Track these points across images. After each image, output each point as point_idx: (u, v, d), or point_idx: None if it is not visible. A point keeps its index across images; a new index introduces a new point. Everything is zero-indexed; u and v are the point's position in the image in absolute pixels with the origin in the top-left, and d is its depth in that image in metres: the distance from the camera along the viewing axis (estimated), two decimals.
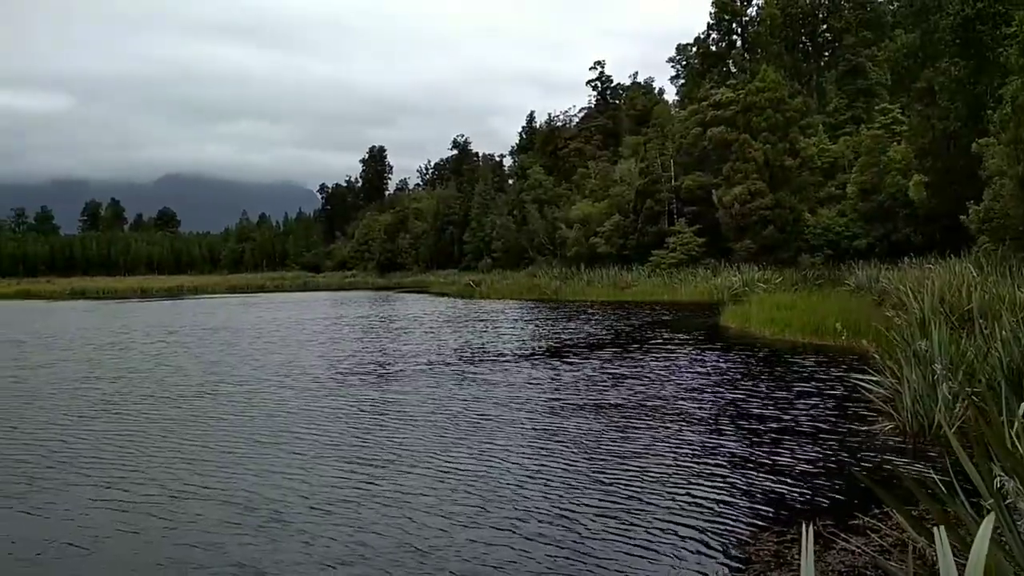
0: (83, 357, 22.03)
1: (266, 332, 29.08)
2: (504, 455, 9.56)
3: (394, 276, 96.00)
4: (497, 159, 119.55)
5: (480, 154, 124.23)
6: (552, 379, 15.43)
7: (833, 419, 10.97)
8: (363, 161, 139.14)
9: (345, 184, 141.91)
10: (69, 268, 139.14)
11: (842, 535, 6.12)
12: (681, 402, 12.69)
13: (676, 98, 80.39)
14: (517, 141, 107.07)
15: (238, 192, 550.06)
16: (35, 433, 11.68)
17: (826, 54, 69.67)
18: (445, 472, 8.87)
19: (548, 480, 8.46)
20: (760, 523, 6.91)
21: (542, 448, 9.86)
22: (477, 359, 19.01)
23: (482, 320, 31.92)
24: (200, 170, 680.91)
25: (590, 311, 35.23)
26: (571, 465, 9.02)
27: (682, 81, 78.53)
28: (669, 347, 20.19)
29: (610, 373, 15.91)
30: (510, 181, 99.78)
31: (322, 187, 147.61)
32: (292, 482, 8.66)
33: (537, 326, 28.61)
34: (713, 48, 67.05)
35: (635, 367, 16.68)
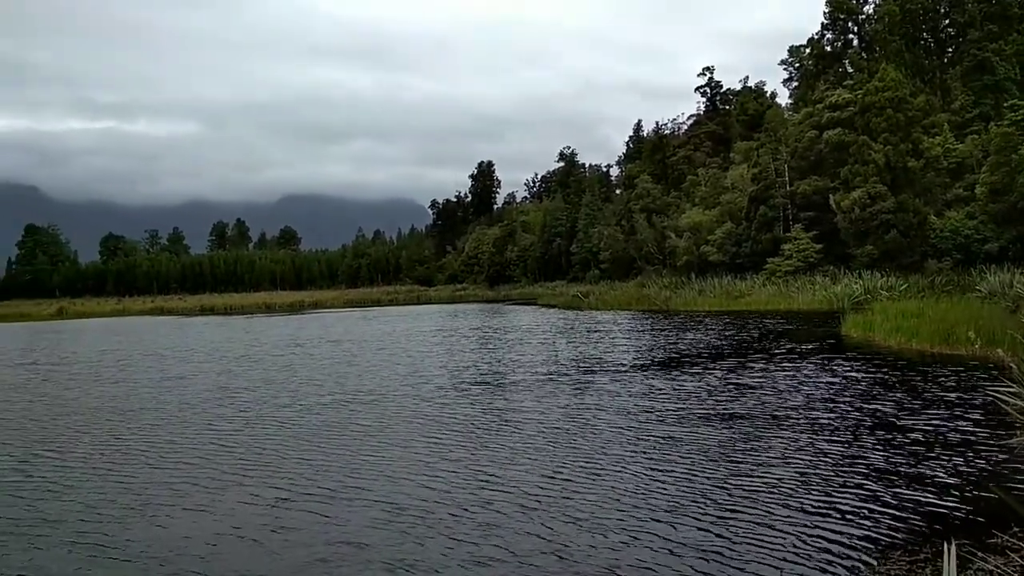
0: (220, 369, 23.53)
1: (387, 344, 30.17)
2: (634, 463, 9.75)
3: (503, 288, 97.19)
4: (604, 169, 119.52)
5: (587, 165, 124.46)
6: (674, 389, 15.47)
7: (969, 432, 10.62)
8: (472, 176, 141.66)
9: (455, 199, 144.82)
10: (198, 285, 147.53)
11: (979, 554, 5.94)
12: (809, 413, 12.52)
13: (789, 101, 78.30)
14: (624, 150, 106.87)
15: (354, 210, 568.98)
16: (190, 438, 12.68)
17: (949, 50, 66.35)
18: (579, 479, 9.15)
19: (678, 488, 8.60)
20: (893, 539, 6.82)
21: (671, 457, 9.99)
22: (595, 369, 19.22)
23: (595, 331, 32.07)
24: (318, 190, 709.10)
25: (703, 321, 34.80)
26: (700, 474, 9.13)
27: (795, 84, 76.44)
28: (791, 357, 19.81)
29: (733, 383, 15.82)
30: (617, 191, 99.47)
31: (433, 203, 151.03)
32: (433, 486, 9.12)
33: (651, 336, 28.54)
34: (828, 48, 65.00)
35: (758, 377, 16.50)
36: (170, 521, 8.29)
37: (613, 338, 28.51)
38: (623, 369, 19.06)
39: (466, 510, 8.13)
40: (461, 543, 7.17)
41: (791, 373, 16.84)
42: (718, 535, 7.06)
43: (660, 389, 15.54)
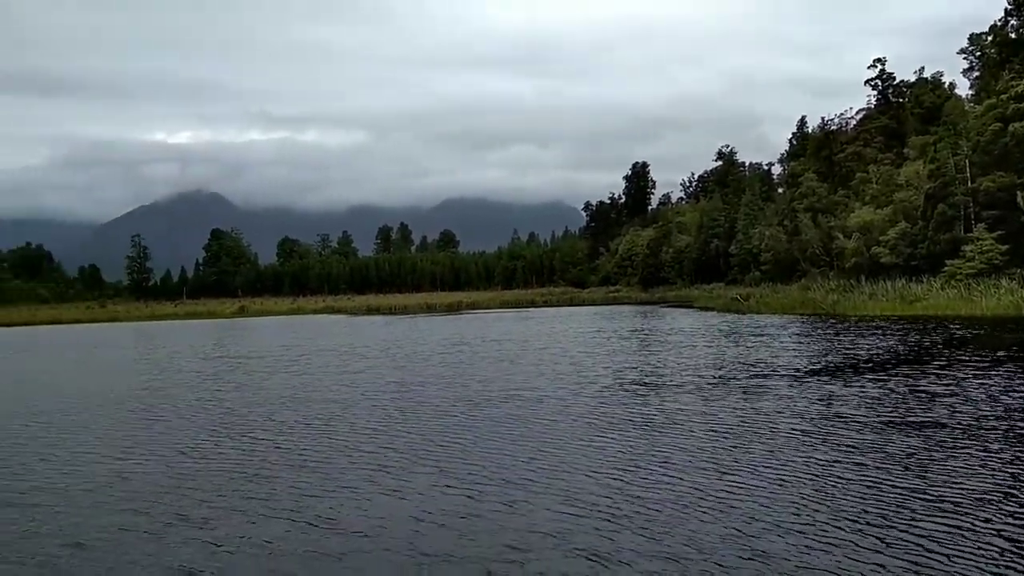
0: (394, 364, 24.88)
1: (548, 344, 30.72)
2: (817, 468, 9.56)
3: (657, 291, 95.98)
4: (765, 168, 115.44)
5: (746, 164, 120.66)
6: (855, 395, 14.89)
7: None
8: (626, 178, 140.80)
9: (608, 201, 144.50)
10: (365, 286, 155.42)
11: None
12: (1007, 423, 11.74)
13: (970, 92, 72.70)
14: (787, 148, 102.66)
15: (510, 213, 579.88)
16: (374, 427, 13.57)
17: None
18: (759, 482, 9.07)
19: (866, 495, 8.36)
20: None
21: (857, 463, 9.70)
22: (767, 374, 18.79)
23: (760, 335, 31.24)
24: (476, 194, 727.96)
25: (876, 326, 33.10)
26: (889, 482, 8.81)
27: (976, 74, 70.90)
28: (981, 365, 18.52)
29: (920, 391, 15.04)
30: (779, 190, 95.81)
31: (586, 205, 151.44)
32: (612, 483, 9.32)
33: (823, 341, 27.50)
34: (1012, 35, 59.83)
35: (948, 385, 15.60)
36: (370, 504, 8.95)
37: (782, 342, 27.69)
38: (798, 374, 18.53)
39: (649, 507, 8.28)
40: (649, 538, 7.31)
41: (983, 382, 15.80)
42: (912, 545, 6.84)
43: (840, 395, 15.03)
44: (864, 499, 8.27)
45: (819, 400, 14.53)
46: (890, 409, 13.25)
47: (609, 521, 7.90)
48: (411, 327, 50.19)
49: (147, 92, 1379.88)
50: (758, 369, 19.68)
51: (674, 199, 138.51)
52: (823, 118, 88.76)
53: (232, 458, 11.75)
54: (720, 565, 6.61)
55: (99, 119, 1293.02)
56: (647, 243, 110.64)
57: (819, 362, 20.75)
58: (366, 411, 15.48)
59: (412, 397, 17.10)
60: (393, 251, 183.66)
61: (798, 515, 7.82)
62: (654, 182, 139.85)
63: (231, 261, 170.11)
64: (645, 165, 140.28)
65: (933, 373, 17.47)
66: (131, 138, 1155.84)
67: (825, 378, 17.57)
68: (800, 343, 27.24)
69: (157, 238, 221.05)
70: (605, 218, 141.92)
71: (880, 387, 15.79)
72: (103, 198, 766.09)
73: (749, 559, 6.71)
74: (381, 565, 7.08)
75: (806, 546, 6.94)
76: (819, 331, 32.12)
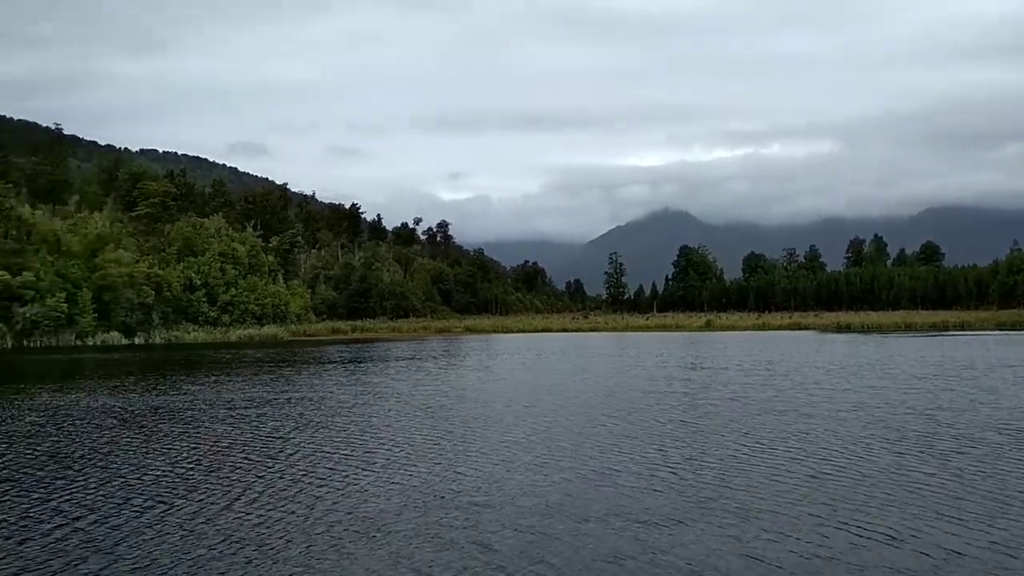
0: (895, 386, 24.07)
1: None
2: None
3: None
4: None
5: None
6: None
7: None
8: None
9: None
10: (833, 302, 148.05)
11: None
12: None
13: None
14: None
15: (1006, 222, 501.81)
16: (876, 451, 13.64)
17: None
18: None
19: None
20: None
21: None
22: None
23: None
24: (963, 200, 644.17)
25: None
26: None
27: None
28: None
29: None
30: None
31: None
32: None
33: None
34: None
35: None
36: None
37: None
38: None
39: None
40: None
41: None
42: None
43: None
44: None
45: None
46: None
47: None
48: (891, 347, 46.96)
49: (629, 120, 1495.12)
50: None
51: None
52: None
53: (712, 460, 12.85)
54: None
55: (584, 148, 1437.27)
56: None
57: None
58: (847, 432, 15.50)
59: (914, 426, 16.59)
60: (865, 265, 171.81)
61: None
62: None
63: (697, 276, 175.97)
64: None
65: None
66: (609, 163, 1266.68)
67: None
68: None
69: (632, 255, 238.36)
70: None
71: None
72: (587, 220, 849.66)
73: None
74: None
75: None
76: None
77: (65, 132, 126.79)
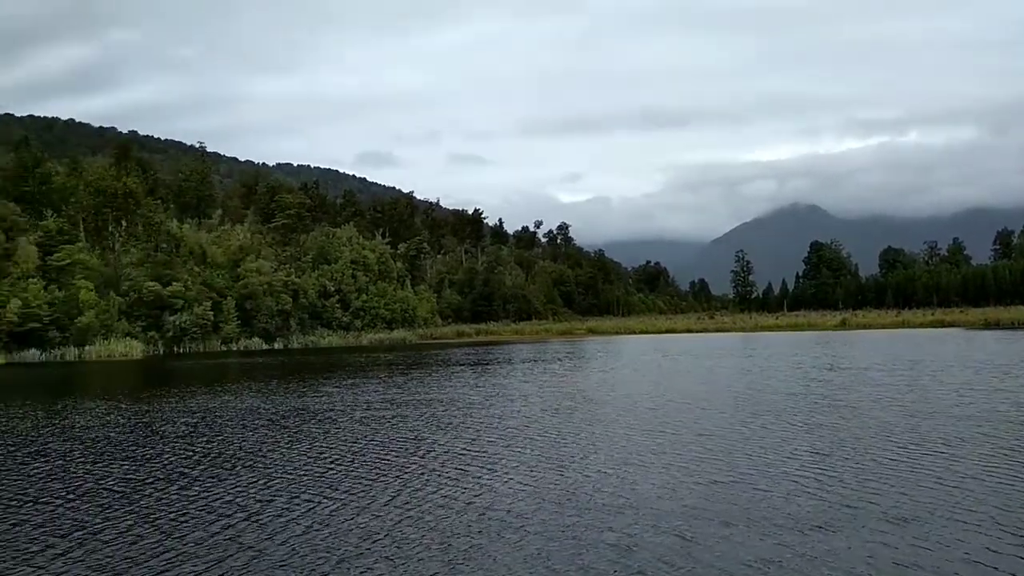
0: None
1: None
2: None
3: None
4: None
5: None
6: None
7: None
8: None
9: None
10: (980, 297, 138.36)
11: None
12: None
13: None
14: None
15: None
16: None
17: None
18: None
19: None
20: None
21: None
22: None
23: None
24: None
25: None
26: None
27: None
28: None
29: None
30: None
31: None
32: None
33: None
34: None
35: None
36: None
37: None
38: None
39: None
40: None
41: None
42: None
43: None
44: None
45: None
46: None
47: None
48: None
49: (752, 114, 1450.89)
50: None
51: None
52: None
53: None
54: None
55: (704, 144, 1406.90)
56: None
57: None
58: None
59: None
60: (1015, 257, 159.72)
61: None
62: None
63: (830, 273, 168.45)
64: None
65: None
66: (732, 159, 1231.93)
67: None
68: None
69: (758, 252, 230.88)
70: None
71: None
72: (709, 218, 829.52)
73: None
74: None
75: None
76: None
77: (208, 150, 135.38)
